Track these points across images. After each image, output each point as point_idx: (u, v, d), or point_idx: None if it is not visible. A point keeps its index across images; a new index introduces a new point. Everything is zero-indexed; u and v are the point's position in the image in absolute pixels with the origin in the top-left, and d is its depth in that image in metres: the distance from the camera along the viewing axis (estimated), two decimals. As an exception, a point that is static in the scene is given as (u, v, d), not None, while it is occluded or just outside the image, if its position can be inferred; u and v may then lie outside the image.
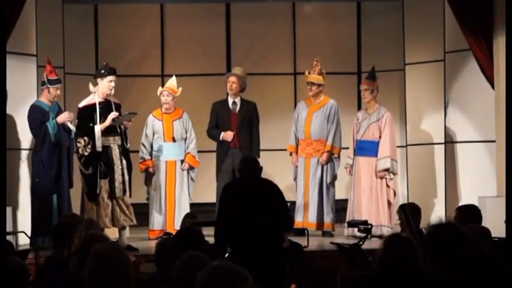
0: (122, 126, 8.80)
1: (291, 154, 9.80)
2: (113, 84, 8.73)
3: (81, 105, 8.77)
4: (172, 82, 9.47)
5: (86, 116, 8.68)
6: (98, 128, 8.62)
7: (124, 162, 8.78)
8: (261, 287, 3.20)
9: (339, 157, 9.64)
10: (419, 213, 7.23)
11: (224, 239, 6.41)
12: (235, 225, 6.37)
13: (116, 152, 8.72)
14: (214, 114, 9.64)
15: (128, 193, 8.78)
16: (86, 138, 8.59)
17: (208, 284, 3.19)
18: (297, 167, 9.69)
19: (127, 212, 8.74)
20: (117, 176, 8.68)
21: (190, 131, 9.53)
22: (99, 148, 8.58)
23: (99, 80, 8.77)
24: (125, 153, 8.84)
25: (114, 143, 8.75)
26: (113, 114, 8.66)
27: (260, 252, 6.21)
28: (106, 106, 8.75)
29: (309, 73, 9.63)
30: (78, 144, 8.62)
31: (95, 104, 8.71)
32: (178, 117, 9.50)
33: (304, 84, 9.81)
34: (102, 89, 8.74)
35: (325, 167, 9.56)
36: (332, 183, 9.60)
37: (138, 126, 9.57)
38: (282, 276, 6.31)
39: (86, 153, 8.58)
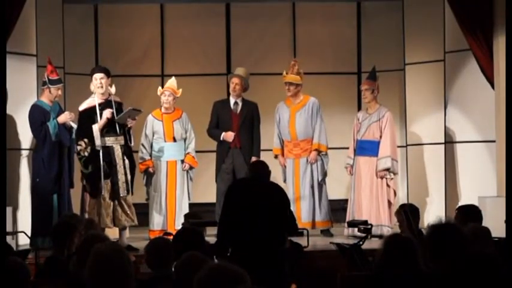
0: (125, 127, 8.80)
1: (275, 157, 9.78)
2: (99, 82, 8.75)
3: (81, 108, 8.78)
4: (173, 83, 9.47)
5: (86, 119, 8.69)
6: (96, 127, 8.64)
7: (127, 161, 8.79)
8: (260, 287, 3.20)
9: (326, 154, 9.64)
10: (418, 213, 7.23)
11: (226, 239, 6.42)
12: (236, 225, 6.37)
13: (118, 152, 8.73)
14: (215, 113, 9.64)
15: (130, 193, 8.80)
16: (86, 140, 8.61)
17: (206, 284, 3.18)
18: (285, 167, 9.70)
19: (128, 212, 8.75)
20: (120, 176, 8.70)
21: (190, 132, 9.53)
22: (98, 147, 8.60)
23: (91, 83, 8.81)
24: (128, 152, 8.85)
25: (116, 143, 8.76)
26: (108, 111, 8.67)
27: (261, 253, 6.21)
28: (106, 106, 8.76)
29: (286, 73, 9.63)
30: (79, 147, 8.63)
31: (95, 106, 8.72)
32: (178, 117, 9.50)
33: (304, 84, 9.79)
34: (94, 89, 8.78)
35: (314, 165, 9.56)
36: (323, 181, 9.60)
37: (137, 126, 9.57)
38: (283, 276, 6.31)
39: (87, 154, 8.61)
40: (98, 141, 8.61)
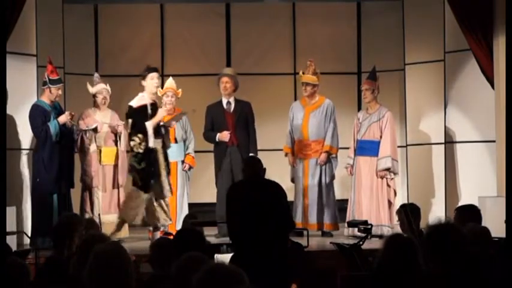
0: (163, 129, 8.78)
1: (286, 155, 9.78)
2: (156, 81, 8.75)
3: (134, 104, 8.70)
4: (173, 83, 9.46)
5: (139, 115, 8.65)
6: (150, 125, 8.60)
7: (166, 163, 8.82)
8: (259, 287, 3.20)
9: (336, 157, 9.64)
10: (419, 213, 7.22)
11: (239, 238, 6.43)
12: (241, 226, 6.37)
13: (160, 154, 8.72)
14: (209, 116, 9.60)
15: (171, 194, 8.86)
16: (140, 135, 8.57)
17: (205, 285, 3.18)
18: (294, 167, 9.68)
19: (167, 211, 8.76)
20: (163, 178, 8.70)
21: (190, 132, 9.53)
22: (151, 144, 8.58)
23: (143, 82, 8.77)
24: (166, 155, 8.88)
25: (159, 145, 8.73)
26: (164, 110, 8.64)
27: (264, 253, 6.21)
28: (154, 107, 8.77)
29: (303, 73, 9.62)
30: (133, 143, 8.59)
31: (146, 105, 8.69)
32: (178, 118, 9.49)
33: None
34: (148, 88, 8.74)
35: (323, 167, 9.55)
36: (331, 183, 9.60)
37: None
38: (284, 276, 6.31)
39: (141, 151, 8.57)
40: (151, 139, 8.58)
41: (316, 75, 9.58)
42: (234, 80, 9.56)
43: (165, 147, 8.82)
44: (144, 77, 8.78)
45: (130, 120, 8.69)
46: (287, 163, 9.93)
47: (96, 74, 9.43)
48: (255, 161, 6.82)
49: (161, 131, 8.76)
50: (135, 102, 8.73)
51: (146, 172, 8.59)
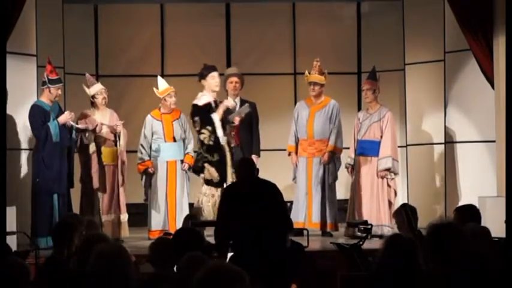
0: (228, 127, 8.78)
1: (289, 154, 9.78)
2: (217, 80, 8.76)
3: (199, 103, 8.71)
4: (166, 83, 9.46)
5: (205, 112, 8.65)
6: (216, 117, 8.61)
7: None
8: (259, 287, 3.20)
9: (339, 157, 9.64)
10: (416, 213, 7.23)
11: (224, 239, 6.41)
12: (237, 226, 6.36)
13: (227, 152, 8.71)
14: (214, 116, 9.61)
15: None
16: (209, 127, 8.58)
17: (205, 284, 3.19)
18: (296, 166, 9.67)
19: None
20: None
21: (189, 132, 9.52)
22: (220, 135, 8.59)
23: (203, 81, 8.76)
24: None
25: (224, 142, 8.73)
26: (229, 101, 8.66)
27: (263, 253, 6.21)
28: (217, 104, 8.79)
29: (309, 73, 9.61)
30: (202, 136, 8.59)
31: (210, 103, 8.67)
32: (177, 117, 9.49)
33: (304, 84, 9.80)
34: (209, 87, 8.75)
35: (326, 167, 9.55)
36: (334, 183, 9.60)
37: (136, 127, 9.58)
38: (284, 276, 6.31)
39: (211, 143, 8.59)
40: (219, 131, 8.58)
41: (323, 75, 9.58)
42: (241, 79, 9.59)
43: (229, 144, 8.83)
44: (203, 77, 8.77)
45: (197, 118, 8.69)
46: (287, 163, 9.93)
47: (87, 74, 9.40)
48: (249, 162, 6.84)
49: (227, 129, 8.76)
50: (199, 101, 8.73)
51: (221, 164, 8.59)
